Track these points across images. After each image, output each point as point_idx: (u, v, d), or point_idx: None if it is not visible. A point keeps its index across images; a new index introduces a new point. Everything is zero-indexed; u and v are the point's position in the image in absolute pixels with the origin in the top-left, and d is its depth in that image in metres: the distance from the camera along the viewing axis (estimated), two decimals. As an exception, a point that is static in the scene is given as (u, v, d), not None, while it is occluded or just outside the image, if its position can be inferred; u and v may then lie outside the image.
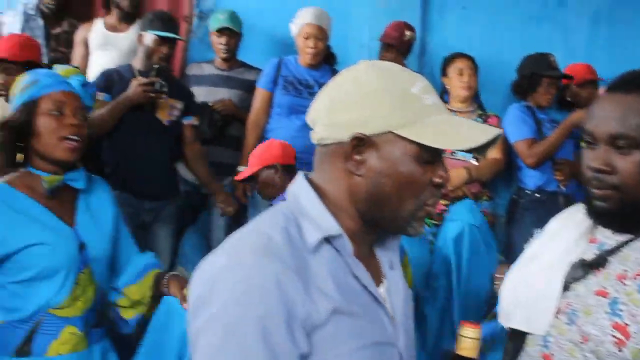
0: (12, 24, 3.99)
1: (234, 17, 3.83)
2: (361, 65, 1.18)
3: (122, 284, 2.12)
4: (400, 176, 1.12)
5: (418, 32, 4.12)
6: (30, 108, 1.90)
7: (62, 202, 1.97)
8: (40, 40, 3.86)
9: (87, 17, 4.06)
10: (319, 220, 1.13)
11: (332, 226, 1.13)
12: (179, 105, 3.43)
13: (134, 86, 3.22)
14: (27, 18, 3.99)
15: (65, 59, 3.94)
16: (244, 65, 3.95)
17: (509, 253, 3.85)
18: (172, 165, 3.54)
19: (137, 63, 3.44)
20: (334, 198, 1.16)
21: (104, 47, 3.85)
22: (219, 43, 3.84)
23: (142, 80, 3.24)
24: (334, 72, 3.78)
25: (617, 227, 1.40)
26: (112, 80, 3.34)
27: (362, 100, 1.12)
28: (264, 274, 1.03)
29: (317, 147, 1.19)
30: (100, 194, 2.08)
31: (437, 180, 1.15)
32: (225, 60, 3.88)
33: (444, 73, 3.88)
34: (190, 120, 3.50)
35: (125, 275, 2.13)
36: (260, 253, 1.05)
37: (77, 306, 1.93)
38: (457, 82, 3.78)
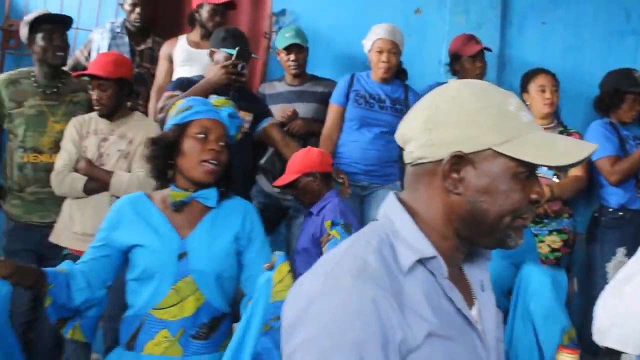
0: (100, 41, 4.14)
1: (299, 32, 3.90)
2: (454, 85, 1.19)
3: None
4: (500, 193, 1.12)
5: (497, 48, 4.11)
6: (180, 129, 2.09)
7: (189, 215, 2.11)
8: (127, 55, 3.99)
9: (171, 34, 4.19)
10: (413, 242, 1.13)
11: (426, 248, 1.13)
12: (248, 117, 3.49)
13: (216, 69, 3.29)
14: (114, 35, 4.13)
15: (150, 75, 4.08)
16: (314, 78, 4.00)
17: (589, 271, 3.77)
18: (244, 179, 3.59)
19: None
20: (427, 218, 1.16)
21: (188, 62, 3.96)
22: (289, 60, 3.91)
23: (225, 62, 3.29)
24: (406, 87, 3.81)
25: None
26: (183, 86, 3.42)
27: (461, 118, 1.13)
28: (361, 298, 1.03)
29: (409, 167, 1.20)
30: (232, 214, 2.16)
31: (534, 196, 1.15)
32: (295, 76, 3.95)
33: (524, 89, 3.84)
34: (270, 121, 3.53)
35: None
36: (356, 277, 1.05)
37: (172, 312, 2.03)
38: (539, 98, 3.73)
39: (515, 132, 1.12)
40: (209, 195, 2.11)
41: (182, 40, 4.07)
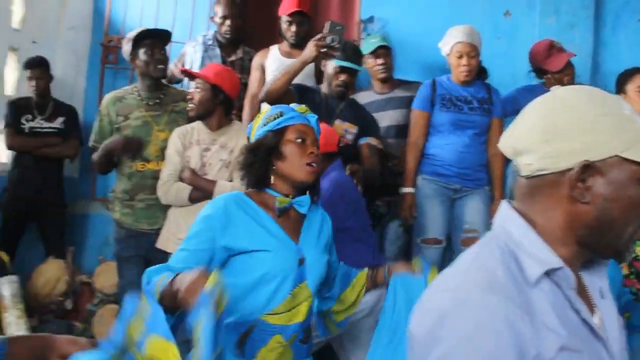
0: (193, 54, 4.30)
1: (384, 37, 3.95)
2: (567, 92, 1.18)
3: (338, 292, 2.32)
4: (628, 199, 1.11)
5: (590, 49, 4.04)
6: (277, 135, 2.13)
7: (291, 221, 2.16)
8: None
9: (262, 44, 4.30)
10: (538, 253, 1.12)
11: (552, 259, 1.12)
12: (353, 129, 3.54)
13: (309, 46, 3.34)
14: (206, 48, 4.28)
15: (241, 84, 4.18)
16: (402, 82, 4.01)
17: None
18: None
19: (323, 87, 3.61)
20: (546, 228, 1.15)
21: (279, 72, 4.04)
22: (377, 64, 3.94)
23: (319, 41, 3.31)
24: (488, 87, 3.78)
25: None
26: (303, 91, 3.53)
27: (582, 127, 1.11)
28: (493, 312, 1.03)
29: (521, 178, 1.18)
30: (318, 219, 2.25)
31: None
32: (383, 81, 3.97)
33: (620, 90, 3.75)
34: (366, 140, 3.60)
35: (338, 283, 2.32)
36: (486, 290, 1.05)
37: (287, 317, 2.06)
38: (638, 99, 3.64)
39: (636, 136, 1.11)
40: (304, 203, 2.16)
41: (274, 50, 4.17)
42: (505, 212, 1.19)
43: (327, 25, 3.30)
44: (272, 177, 2.14)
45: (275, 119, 2.15)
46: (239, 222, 2.05)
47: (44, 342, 1.39)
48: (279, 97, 3.37)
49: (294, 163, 2.11)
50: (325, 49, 3.29)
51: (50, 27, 4.96)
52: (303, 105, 2.23)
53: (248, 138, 2.25)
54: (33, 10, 4.84)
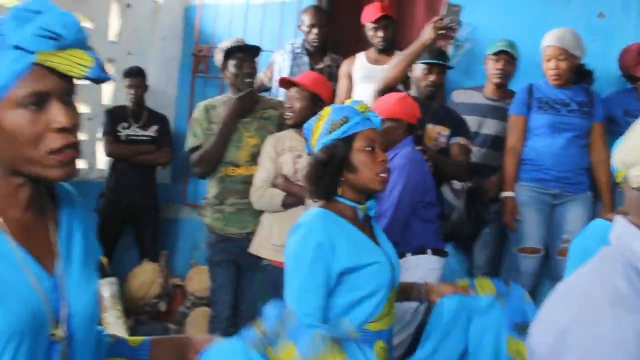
0: (282, 62, 4.37)
1: (512, 44, 3.89)
2: None
3: None
4: None
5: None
6: (346, 144, 2.03)
7: (366, 227, 2.13)
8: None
9: (349, 51, 4.33)
10: None
11: None
12: (446, 132, 3.53)
13: (426, 29, 3.33)
14: (294, 56, 4.34)
15: (333, 91, 4.21)
16: (514, 94, 3.95)
17: None
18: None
19: (412, 92, 3.61)
20: None
21: (367, 79, 4.05)
22: (495, 68, 3.90)
23: (437, 24, 3.30)
24: (588, 90, 3.68)
25: None
26: None
27: None
28: (621, 326, 1.01)
29: (635, 190, 1.16)
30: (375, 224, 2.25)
31: None
32: (498, 86, 3.92)
33: None
34: (457, 140, 3.56)
35: None
36: (613, 304, 1.04)
37: (385, 321, 2.06)
38: None
39: None
40: (373, 206, 2.11)
41: (361, 57, 4.19)
42: (623, 226, 1.17)
43: (444, 7, 3.29)
44: (341, 186, 2.06)
45: (341, 124, 2.03)
46: (341, 242, 1.96)
47: (183, 343, 1.43)
48: (395, 85, 3.41)
49: (366, 174, 2.02)
50: (443, 31, 3.28)
51: (143, 38, 5.16)
52: (362, 103, 2.11)
53: (306, 139, 2.14)
54: (128, 23, 5.05)
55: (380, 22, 4.06)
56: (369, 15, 4.10)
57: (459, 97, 4.07)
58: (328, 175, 2.04)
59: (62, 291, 1.16)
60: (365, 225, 2.11)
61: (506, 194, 3.67)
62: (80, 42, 1.09)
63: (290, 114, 3.33)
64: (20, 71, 1.06)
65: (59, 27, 1.06)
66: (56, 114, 1.09)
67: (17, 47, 1.05)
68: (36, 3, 1.07)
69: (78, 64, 1.07)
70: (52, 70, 1.07)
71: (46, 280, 1.14)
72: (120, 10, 5.01)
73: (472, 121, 3.84)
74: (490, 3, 4.35)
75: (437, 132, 3.52)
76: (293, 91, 3.34)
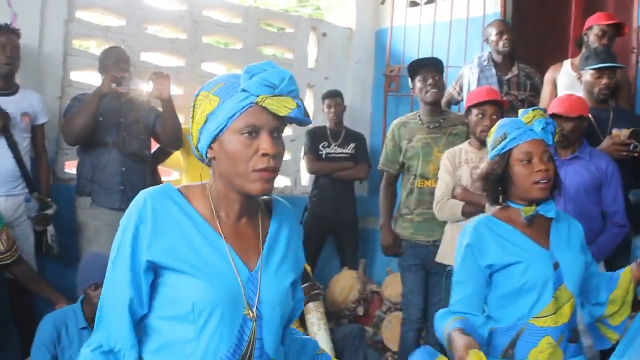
0: (470, 76, 4.49)
1: None
2: None
3: (605, 296, 2.34)
4: None
5: None
6: (503, 159, 2.23)
7: (538, 229, 2.27)
8: (495, 86, 4.25)
9: (536, 60, 4.35)
10: None
11: None
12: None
13: (607, 143, 3.36)
14: (482, 69, 4.43)
15: (517, 101, 4.26)
16: None
17: None
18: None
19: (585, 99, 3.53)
20: None
21: (571, 88, 3.96)
22: None
23: (616, 139, 3.35)
24: None
25: None
26: None
27: None
28: None
29: None
30: (565, 221, 2.33)
31: None
32: None
33: None
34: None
35: (604, 288, 2.35)
36: None
37: (554, 319, 2.18)
38: None
39: None
40: (549, 208, 2.23)
41: (567, 64, 4.17)
42: None
43: (628, 132, 3.33)
44: (509, 194, 2.25)
45: (500, 141, 2.24)
46: (490, 242, 2.21)
47: None
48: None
49: (522, 185, 2.20)
50: (624, 153, 3.34)
51: (339, 63, 5.56)
52: (532, 111, 2.24)
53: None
54: (324, 50, 5.48)
55: (609, 30, 3.97)
56: (600, 18, 4.01)
57: None
58: (488, 189, 2.30)
59: (257, 283, 1.50)
60: (538, 227, 2.25)
61: None
62: (291, 92, 1.43)
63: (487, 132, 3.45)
64: (244, 107, 1.42)
65: (276, 79, 1.41)
66: (264, 142, 1.43)
67: (244, 90, 1.42)
68: (265, 64, 1.45)
69: (285, 106, 1.42)
70: (266, 110, 1.42)
71: (246, 273, 1.49)
72: (317, 40, 5.47)
73: None
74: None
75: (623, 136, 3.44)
76: (491, 109, 3.46)
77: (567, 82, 4.05)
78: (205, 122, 1.45)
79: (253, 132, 1.42)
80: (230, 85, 1.44)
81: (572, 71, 4.06)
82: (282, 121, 1.45)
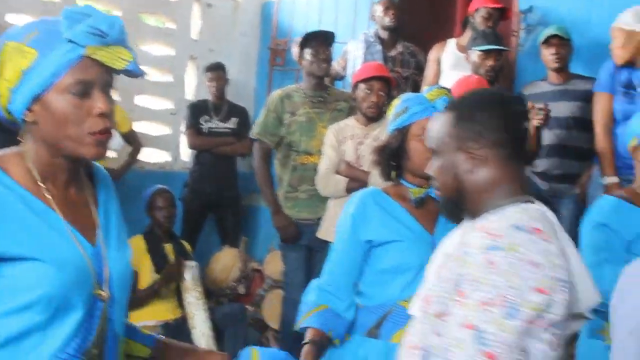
0: (356, 52, 4.46)
1: (560, 27, 3.82)
2: None
3: None
4: None
5: None
6: (402, 133, 2.17)
7: (428, 212, 2.20)
8: (380, 62, 4.22)
9: (421, 39, 4.38)
10: None
11: None
12: None
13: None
14: (368, 45, 4.41)
15: (402, 78, 4.28)
16: (577, 76, 3.88)
17: None
18: None
19: None
20: None
21: (456, 67, 4.05)
22: (549, 54, 3.83)
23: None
24: None
25: None
26: None
27: None
28: None
29: None
30: None
31: None
32: (556, 71, 3.86)
33: None
34: None
35: None
36: None
37: None
38: None
39: None
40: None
41: (451, 44, 4.21)
42: None
43: None
44: (403, 172, 2.20)
45: (400, 115, 2.18)
46: (374, 216, 2.15)
47: (193, 355, 1.59)
48: None
49: (418, 161, 2.12)
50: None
51: (224, 35, 5.39)
52: (437, 89, 2.22)
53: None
54: (208, 22, 5.29)
55: (495, 13, 4.03)
56: (486, 1, 4.05)
57: (527, 89, 3.99)
58: (383, 163, 2.22)
59: (103, 258, 1.34)
60: (427, 210, 2.18)
61: (610, 179, 3.41)
62: (122, 41, 1.26)
63: (374, 109, 3.42)
64: (71, 61, 1.23)
65: (105, 26, 1.23)
66: (98, 101, 1.26)
67: (70, 41, 1.23)
68: (85, 8, 1.26)
69: (120, 57, 1.25)
70: (97, 63, 1.24)
71: (90, 249, 1.32)
72: (201, 10, 5.27)
73: None
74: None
75: None
76: (378, 85, 3.43)
77: (452, 61, 4.10)
78: (21, 80, 1.23)
79: (84, 89, 1.25)
80: (48, 35, 1.24)
81: (457, 50, 4.12)
82: (112, 75, 1.30)
